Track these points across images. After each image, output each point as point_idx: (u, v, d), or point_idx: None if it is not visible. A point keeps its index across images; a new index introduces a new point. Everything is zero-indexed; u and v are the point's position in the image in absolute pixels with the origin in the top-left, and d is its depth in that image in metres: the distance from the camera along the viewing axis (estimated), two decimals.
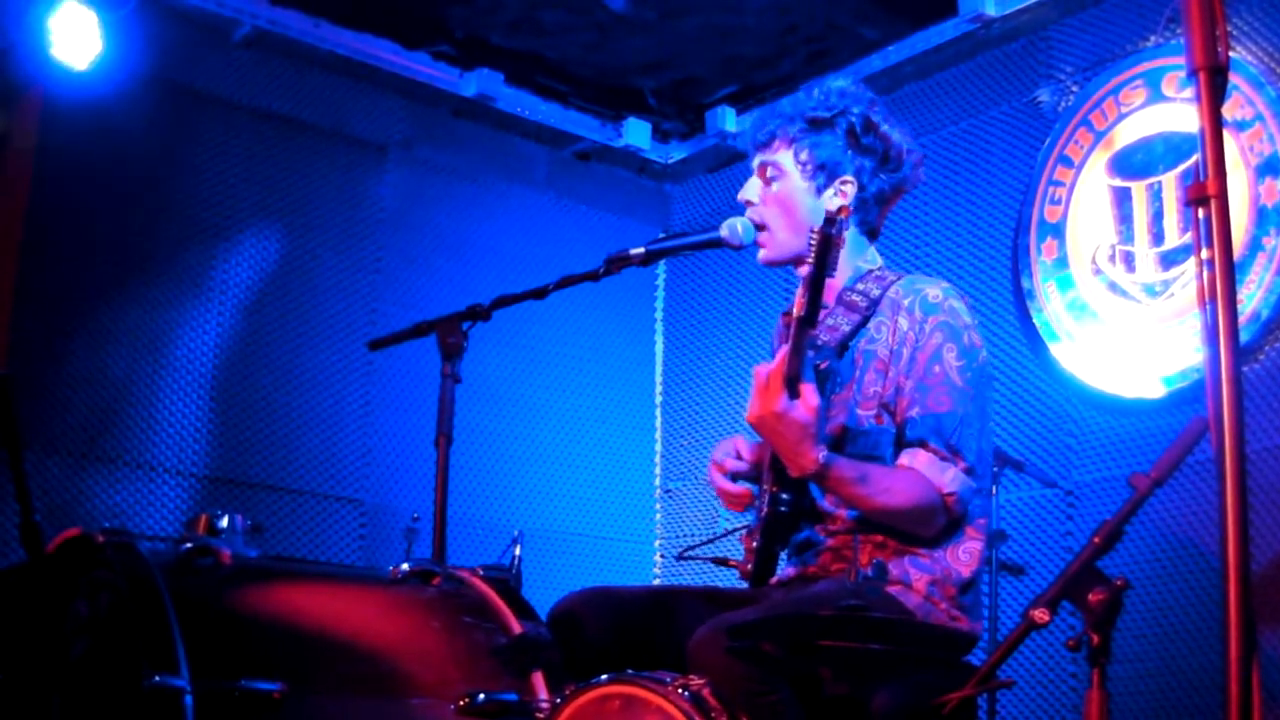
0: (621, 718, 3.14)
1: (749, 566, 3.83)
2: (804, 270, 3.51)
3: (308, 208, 7.08)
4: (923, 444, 3.62)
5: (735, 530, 4.05)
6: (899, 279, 3.83)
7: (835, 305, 3.85)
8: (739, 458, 3.98)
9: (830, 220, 3.24)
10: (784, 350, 3.33)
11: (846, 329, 3.76)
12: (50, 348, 6.19)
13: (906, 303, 3.73)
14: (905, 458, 3.62)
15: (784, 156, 3.90)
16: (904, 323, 3.71)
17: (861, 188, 3.88)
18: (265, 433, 6.77)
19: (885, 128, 3.92)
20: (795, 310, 3.31)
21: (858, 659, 2.95)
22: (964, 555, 3.71)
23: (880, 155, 3.91)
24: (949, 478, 3.58)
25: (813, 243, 3.28)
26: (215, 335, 6.70)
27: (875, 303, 3.78)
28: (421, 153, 7.51)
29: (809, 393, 3.33)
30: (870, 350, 3.74)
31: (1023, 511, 6.21)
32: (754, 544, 3.87)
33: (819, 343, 3.68)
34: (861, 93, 3.97)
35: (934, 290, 3.74)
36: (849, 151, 3.87)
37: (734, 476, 3.97)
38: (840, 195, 3.87)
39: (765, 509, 3.71)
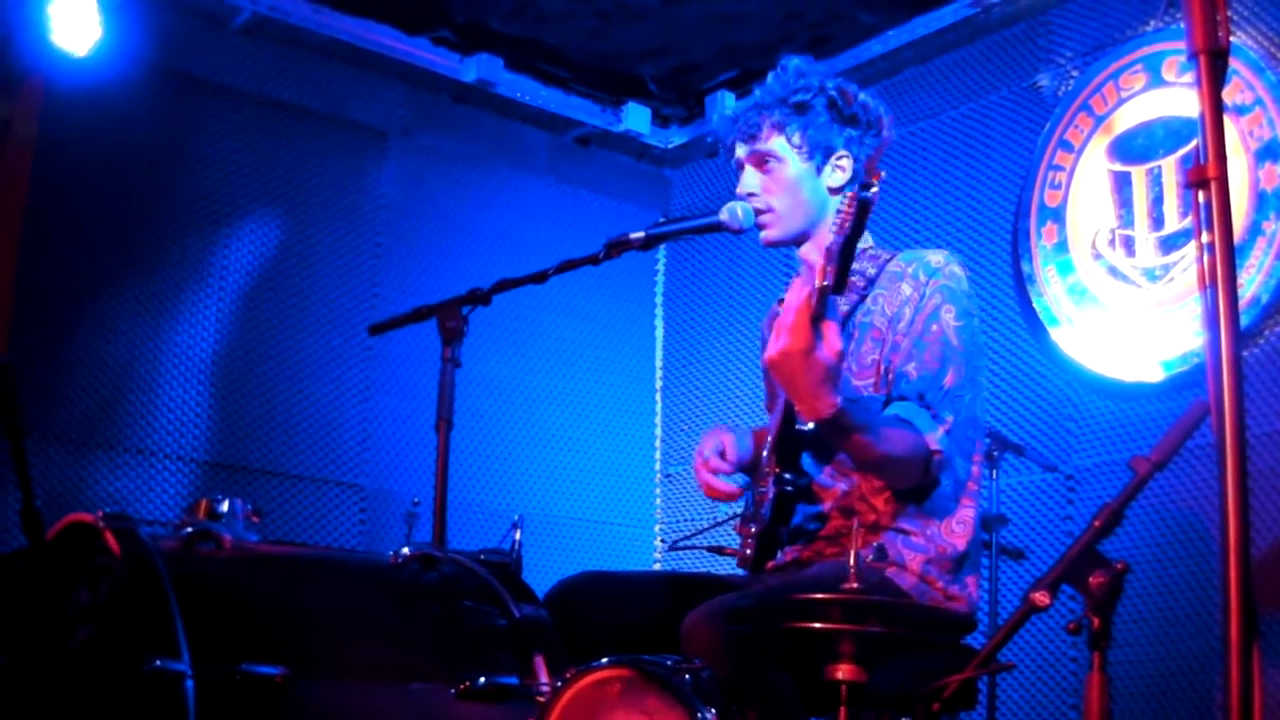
0: (622, 701, 3.15)
1: (748, 553, 3.85)
2: (826, 242, 3.56)
3: (308, 194, 7.08)
4: (920, 398, 3.63)
5: (729, 520, 4.06)
6: (893, 255, 3.85)
7: None
8: (723, 456, 3.98)
9: (866, 185, 3.22)
10: (808, 291, 3.31)
11: (844, 309, 3.78)
12: (50, 334, 6.19)
13: (910, 270, 3.76)
14: (899, 409, 3.62)
15: (777, 143, 3.91)
16: (907, 288, 3.74)
17: (855, 159, 3.92)
18: (265, 418, 6.78)
19: (862, 96, 3.96)
20: (818, 280, 3.28)
21: (855, 642, 2.95)
22: (957, 526, 3.72)
23: (864, 123, 3.94)
24: (938, 435, 3.60)
25: (845, 209, 3.24)
26: (215, 321, 6.70)
27: (872, 281, 3.81)
28: (422, 138, 7.51)
29: (833, 334, 3.31)
30: (866, 322, 3.77)
31: (1023, 496, 6.22)
32: (751, 530, 3.88)
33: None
34: (822, 67, 4.01)
35: (936, 257, 3.78)
36: (835, 125, 3.90)
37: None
38: (839, 171, 3.91)
39: (772, 490, 3.72)
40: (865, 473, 3.72)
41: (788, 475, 3.72)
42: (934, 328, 3.69)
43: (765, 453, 3.85)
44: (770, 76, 3.99)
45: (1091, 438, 6.09)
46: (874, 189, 3.24)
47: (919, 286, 3.73)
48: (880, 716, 3.40)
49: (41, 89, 6.17)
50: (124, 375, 6.42)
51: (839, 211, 3.26)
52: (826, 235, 3.92)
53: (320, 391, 6.95)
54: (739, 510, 4.07)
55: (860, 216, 3.23)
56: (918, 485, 3.68)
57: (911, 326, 3.70)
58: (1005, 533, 5.80)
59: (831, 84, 3.94)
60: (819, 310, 3.28)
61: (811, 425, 3.46)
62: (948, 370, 3.67)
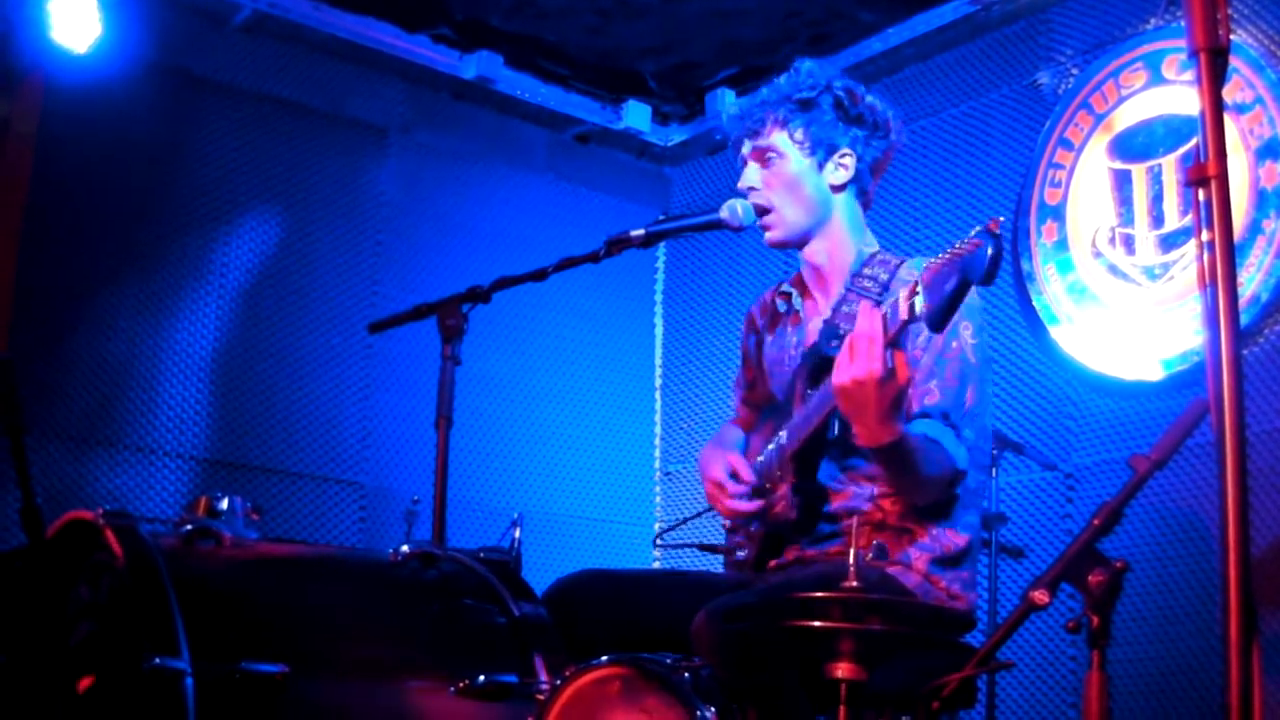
0: (622, 699, 3.15)
1: (740, 555, 3.86)
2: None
3: (308, 191, 7.08)
4: (944, 417, 3.64)
5: (704, 512, 4.07)
6: (903, 261, 3.85)
7: (846, 292, 3.88)
8: (734, 476, 3.97)
9: (993, 234, 3.03)
10: (881, 317, 3.27)
11: None
12: (50, 331, 6.19)
13: None
14: (926, 427, 3.63)
15: (779, 139, 3.92)
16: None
17: (859, 158, 3.92)
18: (265, 416, 6.77)
19: (870, 98, 3.96)
20: (903, 312, 3.19)
21: (856, 640, 2.95)
22: (961, 527, 3.74)
23: (870, 124, 3.94)
24: (962, 454, 3.61)
25: (966, 246, 3.06)
26: (215, 319, 6.70)
27: (885, 286, 3.80)
28: (421, 136, 7.51)
29: (902, 364, 3.29)
30: None
31: (1022, 494, 6.22)
32: (752, 529, 3.89)
33: (840, 332, 3.68)
34: (833, 69, 4.01)
35: None
36: (840, 124, 3.91)
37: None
38: (842, 169, 3.91)
39: (794, 500, 3.73)
40: (895, 490, 3.72)
41: (802, 484, 3.74)
42: (954, 345, 3.70)
43: (777, 457, 3.86)
44: (783, 78, 3.99)
45: (1091, 436, 6.09)
46: (999, 236, 3.07)
47: None
48: (880, 715, 3.40)
49: (41, 86, 6.17)
50: (124, 373, 6.41)
51: (957, 245, 3.10)
52: (832, 234, 3.94)
53: (320, 389, 6.95)
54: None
55: (991, 267, 3.04)
56: (938, 502, 3.70)
57: (931, 342, 3.70)
58: (1005, 531, 5.80)
59: (839, 83, 3.95)
60: (895, 340, 3.26)
61: (868, 447, 3.46)
62: (967, 388, 3.68)
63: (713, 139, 8.04)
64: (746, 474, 3.95)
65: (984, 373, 3.74)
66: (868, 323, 3.28)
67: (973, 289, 3.68)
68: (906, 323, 3.21)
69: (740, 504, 3.95)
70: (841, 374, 3.30)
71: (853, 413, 3.39)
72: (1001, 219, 3.12)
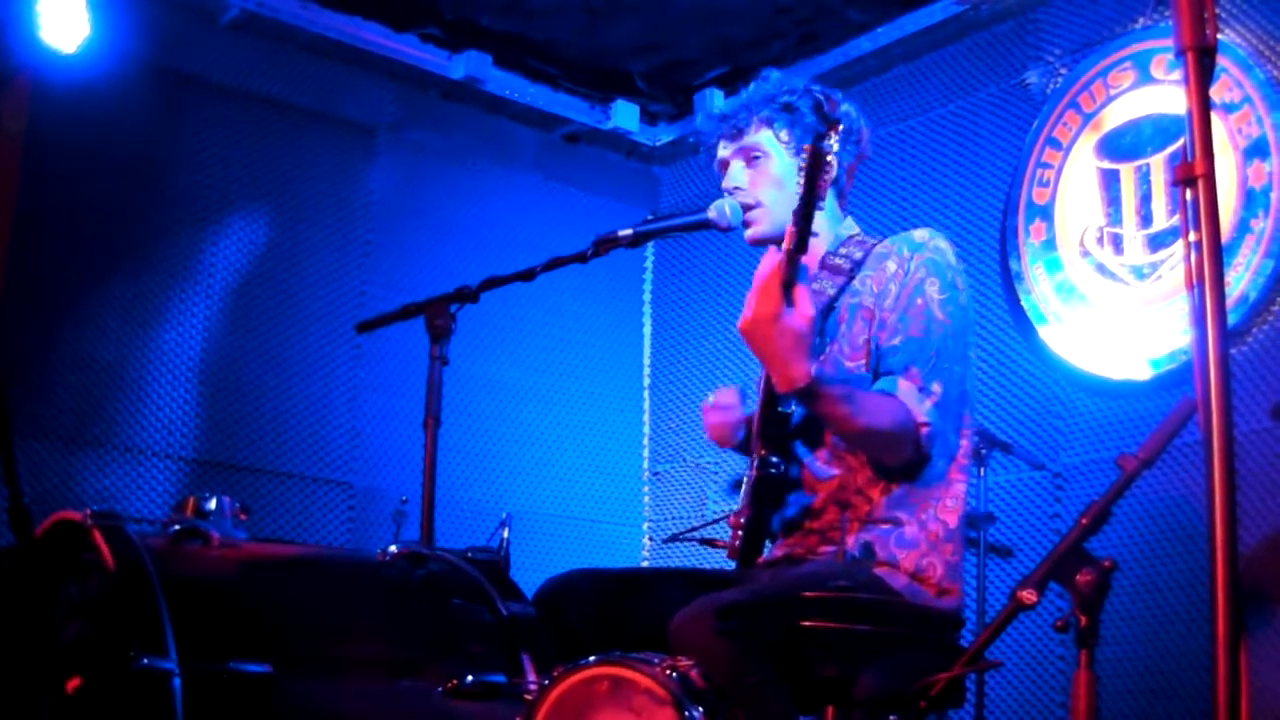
0: (610, 699, 3.15)
1: (735, 544, 3.85)
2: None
3: (296, 191, 7.07)
4: (906, 371, 3.63)
5: (724, 516, 4.06)
6: (880, 239, 3.87)
7: (819, 270, 3.89)
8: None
9: (820, 136, 3.23)
10: (780, 258, 3.32)
11: (832, 292, 3.81)
12: (39, 331, 6.18)
13: (895, 248, 3.78)
14: (886, 383, 3.62)
15: (764, 137, 3.94)
16: (892, 265, 3.75)
17: (839, 159, 3.93)
18: (253, 416, 6.77)
19: (845, 105, 3.98)
20: (785, 244, 3.31)
21: (844, 640, 2.95)
22: (951, 503, 3.72)
23: (846, 129, 3.95)
24: (925, 408, 3.59)
25: (802, 165, 3.29)
26: (203, 319, 6.69)
27: (859, 264, 3.82)
28: (410, 135, 7.50)
29: (804, 300, 3.32)
30: (855, 303, 3.78)
31: (1011, 494, 6.22)
32: (741, 520, 3.88)
33: None
34: (802, 78, 4.06)
35: (920, 233, 3.82)
36: (821, 126, 3.91)
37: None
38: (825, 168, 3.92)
39: (754, 472, 3.73)
40: (857, 449, 3.71)
41: (773, 459, 3.72)
42: (919, 301, 3.70)
43: (754, 434, 3.86)
44: (752, 85, 4.02)
45: (1079, 435, 6.09)
46: (830, 139, 3.27)
47: (903, 262, 3.74)
48: (869, 715, 3.40)
49: (30, 86, 6.16)
50: (112, 373, 6.41)
51: (799, 169, 3.32)
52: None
53: (308, 389, 6.94)
54: (731, 506, 4.08)
55: (814, 165, 3.25)
56: (909, 462, 3.67)
57: (897, 301, 3.71)
58: (993, 531, 5.81)
59: (817, 88, 3.98)
60: (789, 275, 3.29)
61: (787, 393, 3.46)
62: (933, 342, 3.67)
63: (695, 142, 8.04)
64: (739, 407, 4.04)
65: (956, 330, 3.72)
66: (765, 263, 3.33)
67: (930, 239, 3.76)
68: (790, 254, 3.29)
69: (720, 414, 4.02)
70: (742, 315, 3.34)
71: (759, 353, 3.43)
72: (840, 124, 3.55)
